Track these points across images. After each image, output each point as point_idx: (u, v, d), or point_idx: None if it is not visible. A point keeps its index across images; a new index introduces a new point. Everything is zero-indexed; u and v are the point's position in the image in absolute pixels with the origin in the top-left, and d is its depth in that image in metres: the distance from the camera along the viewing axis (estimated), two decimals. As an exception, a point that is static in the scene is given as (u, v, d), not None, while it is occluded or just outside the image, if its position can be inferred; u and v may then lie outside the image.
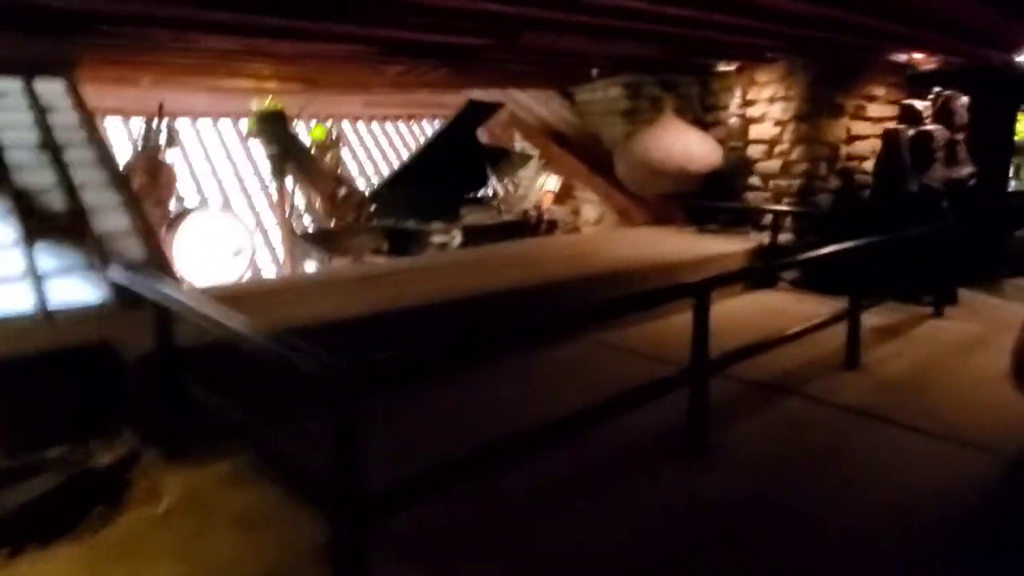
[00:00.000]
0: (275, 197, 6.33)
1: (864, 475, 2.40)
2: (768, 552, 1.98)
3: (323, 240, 5.89)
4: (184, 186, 7.34)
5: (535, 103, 7.37)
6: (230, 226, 5.05)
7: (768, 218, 5.40)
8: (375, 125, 9.89)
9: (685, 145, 5.71)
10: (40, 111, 4.82)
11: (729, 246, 5.17)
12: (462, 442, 1.89)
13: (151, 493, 2.23)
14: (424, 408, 2.87)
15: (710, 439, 2.60)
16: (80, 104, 5.12)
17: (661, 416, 2.57)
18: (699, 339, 2.47)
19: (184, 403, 2.41)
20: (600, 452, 2.50)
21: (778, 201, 5.39)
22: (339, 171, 7.12)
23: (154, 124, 6.61)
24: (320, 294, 3.62)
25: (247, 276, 5.22)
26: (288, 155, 5.92)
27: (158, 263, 3.78)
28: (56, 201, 4.04)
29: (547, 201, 7.67)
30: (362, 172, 9.15)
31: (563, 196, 7.96)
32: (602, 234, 5.72)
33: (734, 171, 5.69)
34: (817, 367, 3.42)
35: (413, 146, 9.15)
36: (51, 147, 4.49)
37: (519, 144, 7.91)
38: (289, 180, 6.23)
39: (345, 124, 9.13)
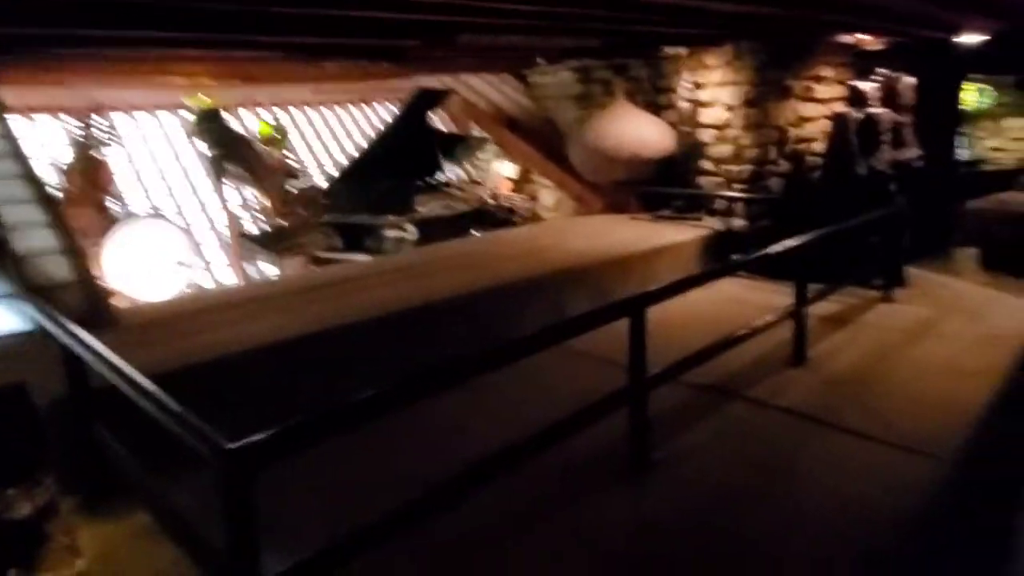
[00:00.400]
0: (219, 198, 6.10)
1: (809, 489, 2.38)
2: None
3: (271, 240, 5.71)
4: (125, 186, 7.07)
5: (487, 88, 7.20)
6: (170, 234, 4.85)
7: (721, 203, 5.37)
8: (327, 111, 9.61)
9: (637, 131, 5.62)
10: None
11: (682, 234, 5.14)
12: (398, 483, 1.81)
13: (68, 550, 2.12)
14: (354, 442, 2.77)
15: (654, 454, 2.57)
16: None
17: (608, 431, 2.51)
18: (635, 357, 2.41)
19: (101, 451, 2.29)
20: (542, 477, 2.44)
21: (730, 186, 5.35)
22: (288, 165, 6.89)
23: (89, 122, 6.31)
24: (259, 309, 3.48)
25: (191, 287, 5.03)
26: (229, 154, 5.69)
27: (87, 285, 3.60)
28: (-28, 222, 3.79)
29: (504, 188, 7.54)
30: (316, 162, 8.90)
31: (521, 182, 7.84)
32: (556, 225, 5.64)
33: (686, 156, 5.62)
34: (763, 365, 3.40)
35: (368, 131, 8.91)
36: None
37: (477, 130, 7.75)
38: (233, 180, 6.01)
39: (295, 111, 8.86)
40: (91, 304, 3.48)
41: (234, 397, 2.61)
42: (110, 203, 6.41)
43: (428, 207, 6.91)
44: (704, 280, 2.93)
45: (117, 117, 7.04)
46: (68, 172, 6.19)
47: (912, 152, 4.72)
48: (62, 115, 6.94)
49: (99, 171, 6.22)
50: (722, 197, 5.27)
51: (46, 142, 6.85)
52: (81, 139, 6.21)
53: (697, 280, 2.88)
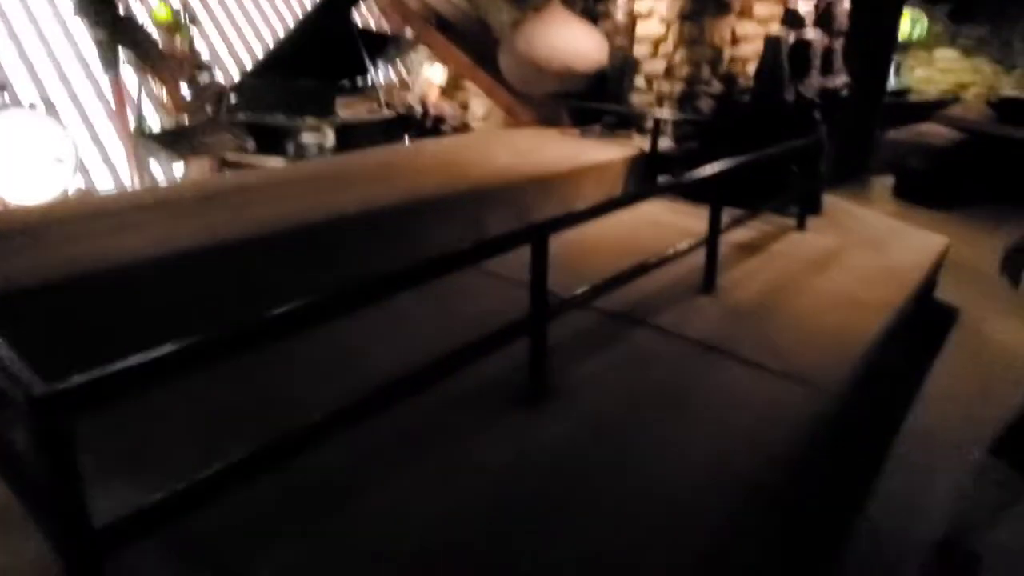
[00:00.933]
0: (108, 91, 5.56)
1: (698, 420, 2.43)
2: (590, 513, 1.98)
3: (173, 140, 5.29)
4: (8, 71, 6.37)
5: (418, -18, 6.69)
6: (47, 129, 4.39)
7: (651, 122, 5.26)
8: (243, -4, 8.80)
9: (572, 41, 5.36)
10: None
11: (609, 153, 5.02)
12: (289, 407, 1.71)
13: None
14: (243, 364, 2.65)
15: (554, 381, 2.56)
16: None
17: (511, 356, 2.46)
18: (537, 287, 2.34)
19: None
20: (440, 404, 2.40)
21: (661, 104, 5.23)
22: (195, 55, 6.32)
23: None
24: (144, 219, 3.21)
25: (72, 188, 4.64)
26: (119, 39, 5.14)
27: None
28: None
29: (433, 95, 7.18)
30: (231, 53, 8.22)
31: (451, 89, 7.48)
32: (482, 138, 5.42)
33: (620, 71, 5.43)
34: (674, 292, 3.41)
35: (290, 20, 8.26)
36: None
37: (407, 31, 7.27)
38: (126, 69, 5.47)
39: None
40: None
41: (96, 322, 2.42)
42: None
43: (350, 111, 6.52)
44: (613, 208, 2.84)
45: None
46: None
47: (840, 79, 4.68)
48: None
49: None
50: (652, 116, 5.15)
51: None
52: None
53: (607, 207, 2.79)
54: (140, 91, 5.66)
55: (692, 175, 3.36)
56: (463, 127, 7.31)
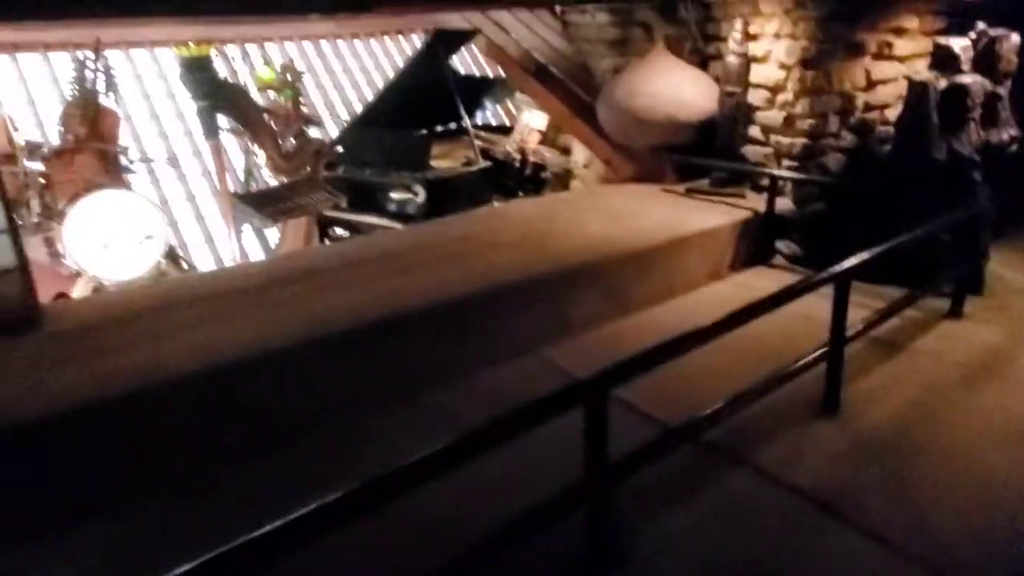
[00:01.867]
0: (211, 153, 5.69)
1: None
2: None
3: (266, 201, 5.30)
4: (130, 133, 6.76)
5: (519, 27, 6.41)
6: (137, 206, 4.48)
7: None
8: (355, 45, 8.97)
9: (676, 89, 4.84)
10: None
11: (716, 218, 4.44)
12: None
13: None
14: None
15: (624, 541, 2.10)
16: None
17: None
18: (593, 454, 1.89)
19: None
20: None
21: (779, 161, 4.58)
22: (300, 113, 6.37)
23: (89, 63, 5.91)
24: (201, 314, 3.08)
25: (166, 262, 4.72)
26: (219, 106, 5.23)
27: (24, 275, 3.26)
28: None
29: (533, 141, 6.86)
30: (344, 103, 8.35)
31: (554, 133, 7.14)
32: (573, 200, 5.01)
33: (732, 120, 4.82)
34: (785, 410, 2.83)
35: (391, 71, 8.27)
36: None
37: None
38: (227, 134, 5.58)
39: (313, 47, 8.29)
40: (24, 298, 3.17)
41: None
42: (115, 151, 6.11)
43: (446, 161, 6.34)
44: (699, 341, 2.31)
45: (116, 55, 6.65)
46: (66, 118, 5.87)
47: (1008, 133, 3.85)
48: (56, 53, 6.59)
49: (103, 117, 5.86)
50: (768, 174, 4.52)
51: (37, 84, 6.55)
52: (79, 80, 5.83)
53: (693, 338, 2.26)
54: (244, 155, 5.78)
55: (824, 273, 2.77)
56: (565, 174, 6.94)
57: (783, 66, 4.41)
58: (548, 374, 3.21)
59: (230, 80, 5.67)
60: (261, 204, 5.20)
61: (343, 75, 8.70)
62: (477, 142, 6.68)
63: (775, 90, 4.51)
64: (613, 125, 5.20)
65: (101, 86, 5.79)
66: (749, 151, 4.81)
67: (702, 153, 4.91)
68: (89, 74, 5.70)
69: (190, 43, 5.15)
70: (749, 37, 4.60)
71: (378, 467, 1.56)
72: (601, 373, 1.88)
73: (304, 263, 3.82)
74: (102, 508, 2.34)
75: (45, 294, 4.11)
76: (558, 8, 6.08)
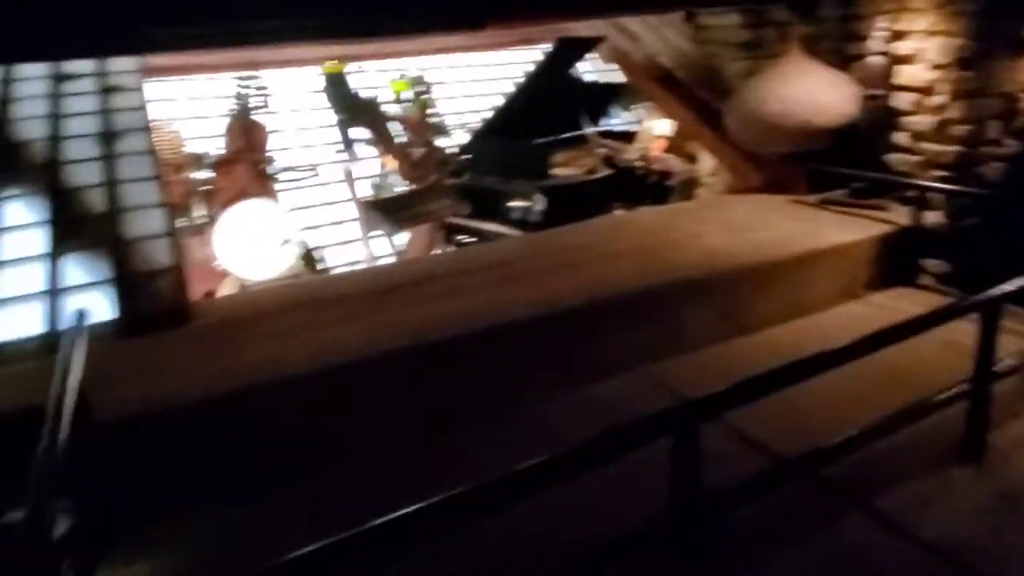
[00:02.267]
0: (347, 163, 6.05)
1: None
2: None
3: (393, 207, 5.56)
4: (279, 145, 7.34)
5: (646, 32, 6.28)
6: (275, 214, 4.86)
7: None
8: (486, 55, 9.20)
9: (811, 93, 4.52)
10: (105, 93, 4.78)
11: (851, 232, 4.10)
12: None
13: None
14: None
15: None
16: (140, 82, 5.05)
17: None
18: (680, 489, 1.80)
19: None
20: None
21: (929, 170, 4.15)
22: (429, 123, 6.64)
23: (245, 80, 6.51)
24: (317, 317, 3.28)
25: (302, 265, 5.08)
26: (354, 118, 5.55)
27: (179, 273, 3.63)
28: (95, 201, 3.95)
29: (657, 148, 6.70)
30: (474, 112, 8.59)
31: (680, 140, 6.93)
32: (694, 210, 4.82)
33: (873, 126, 4.44)
34: (915, 451, 2.55)
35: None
36: (107, 136, 4.44)
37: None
38: (362, 143, 5.91)
39: (445, 59, 8.57)
40: (177, 295, 3.53)
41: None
42: (265, 162, 6.69)
43: (567, 170, 6.35)
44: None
45: (270, 74, 7.25)
46: (227, 132, 6.49)
47: None
48: (218, 74, 7.28)
49: (255, 131, 6.44)
50: (914, 185, 4.11)
51: (201, 102, 7.27)
52: (238, 98, 6.44)
53: (790, 374, 2.09)
54: (377, 164, 6.11)
55: (973, 299, 2.49)
56: (691, 183, 6.70)
57: (935, 66, 3.99)
58: (654, 392, 3.11)
59: (363, 94, 6.01)
60: (389, 211, 5.46)
61: (473, 85, 8.96)
62: (600, 150, 6.64)
63: (925, 92, 4.10)
64: (742, 132, 4.95)
65: (255, 102, 6.35)
66: (893, 160, 4.40)
67: (839, 161, 4.56)
68: (246, 91, 6.28)
69: (328, 61, 5.51)
70: (895, 35, 4.21)
71: (462, 481, 1.58)
72: (691, 403, 1.78)
73: (420, 269, 3.97)
74: (224, 493, 2.55)
75: (198, 291, 4.58)
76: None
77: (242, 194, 5.97)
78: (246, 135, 6.31)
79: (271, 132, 6.98)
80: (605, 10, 4.75)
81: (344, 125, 5.53)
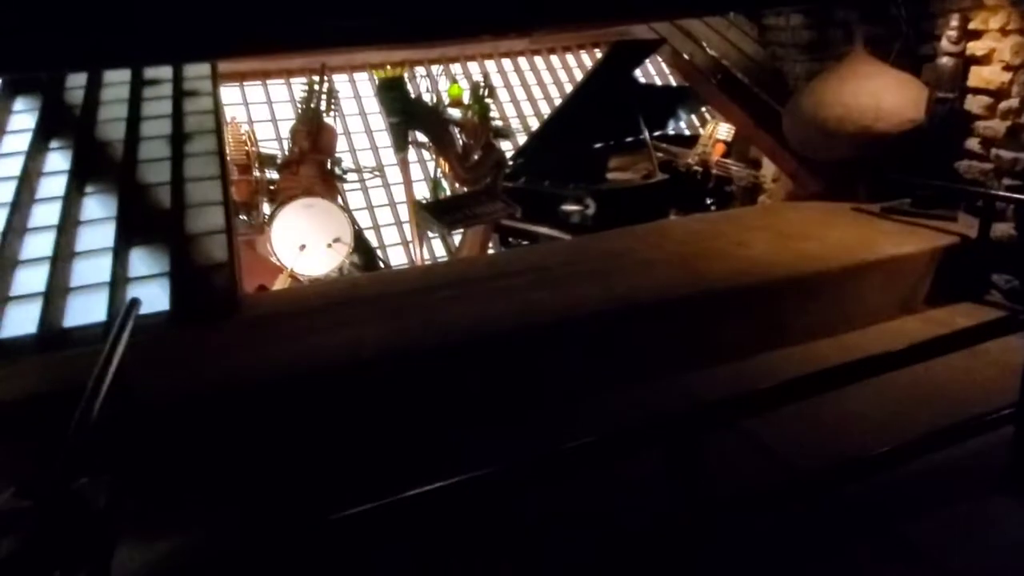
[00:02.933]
0: (400, 165, 6.20)
1: None
2: None
3: (445, 209, 5.66)
4: (345, 147, 7.61)
5: (709, 33, 6.15)
6: (329, 213, 5.03)
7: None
8: (550, 58, 9.23)
9: (874, 97, 4.30)
10: (178, 97, 5.10)
11: (909, 243, 3.87)
12: None
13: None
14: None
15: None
16: (216, 89, 5.35)
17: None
18: (678, 505, 1.76)
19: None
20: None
21: (1001, 178, 3.87)
22: (489, 127, 6.71)
23: (315, 84, 6.77)
24: (359, 313, 3.39)
25: (347, 264, 5.24)
26: (410, 121, 5.68)
27: (232, 268, 3.83)
28: (163, 198, 4.22)
29: (718, 153, 6.53)
30: (537, 115, 8.63)
31: (744, 145, 6.74)
32: (746, 217, 4.65)
33: (942, 131, 4.18)
34: (951, 476, 2.39)
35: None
36: (178, 138, 4.73)
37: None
38: (417, 146, 6.03)
39: (509, 63, 8.65)
40: (230, 288, 3.72)
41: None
42: (332, 163, 6.94)
43: (625, 174, 6.29)
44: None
45: (339, 78, 7.53)
46: (294, 134, 6.77)
47: None
48: (292, 79, 7.62)
49: (323, 132, 6.68)
50: (983, 194, 3.85)
51: (277, 105, 7.61)
52: (306, 100, 6.70)
53: (805, 387, 2.01)
54: (434, 167, 6.24)
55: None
56: (752, 188, 6.51)
57: (1009, 67, 3.72)
58: (678, 402, 3.04)
59: (421, 98, 6.15)
60: (440, 212, 5.56)
61: (536, 88, 9.00)
62: (659, 154, 6.54)
63: (998, 95, 3.83)
64: (799, 137, 4.77)
65: (324, 105, 6.59)
66: (963, 167, 4.13)
67: (905, 168, 4.32)
68: (314, 94, 6.52)
69: (388, 66, 5.68)
70: (968, 34, 3.96)
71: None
72: (688, 414, 1.75)
73: (457, 271, 4.03)
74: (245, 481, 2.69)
75: (251, 285, 4.82)
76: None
77: (306, 193, 6.22)
78: (312, 137, 6.54)
79: (339, 134, 7.25)
80: (660, 13, 4.68)
81: (397, 128, 5.67)
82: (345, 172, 7.30)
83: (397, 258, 7.46)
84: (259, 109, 8.07)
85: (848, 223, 4.27)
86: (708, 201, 6.66)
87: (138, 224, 4.05)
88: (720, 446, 2.62)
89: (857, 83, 4.37)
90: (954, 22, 3.99)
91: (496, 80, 9.03)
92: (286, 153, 6.88)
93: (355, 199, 7.96)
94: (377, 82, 5.70)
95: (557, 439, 2.11)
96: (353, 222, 6.94)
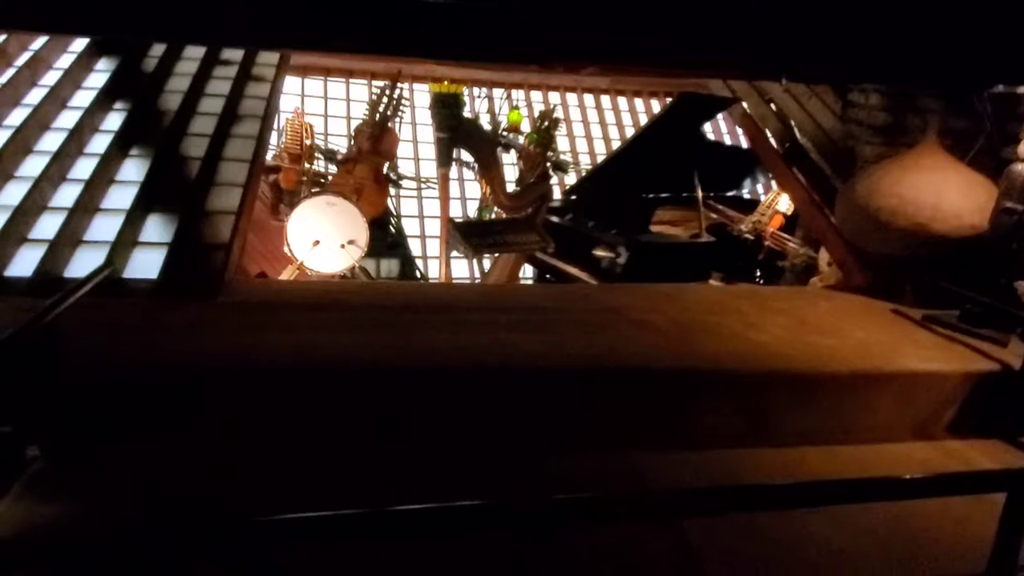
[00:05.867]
0: (440, 181, 6.18)
1: None
2: None
3: (475, 232, 5.56)
4: (406, 154, 7.69)
5: (788, 101, 5.82)
6: (346, 215, 5.04)
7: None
8: (634, 101, 9.07)
9: (933, 194, 3.91)
10: (242, 80, 5.28)
11: (943, 360, 3.44)
12: None
13: None
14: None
15: None
16: (279, 75, 5.51)
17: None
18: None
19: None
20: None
21: (1063, 307, 3.40)
22: (543, 157, 6.62)
23: (386, 88, 6.90)
24: (345, 319, 3.32)
25: (356, 268, 5.21)
26: (458, 140, 5.65)
27: (228, 251, 3.85)
28: (191, 171, 4.33)
29: (774, 224, 6.16)
30: (594, 154, 8.50)
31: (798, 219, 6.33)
32: (769, 298, 4.29)
33: (1005, 243, 3.73)
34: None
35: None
36: (227, 117, 4.88)
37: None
38: (462, 164, 6.00)
39: (575, 97, 8.55)
40: (218, 271, 3.74)
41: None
42: (387, 166, 7.02)
43: (674, 229, 6.02)
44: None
45: (414, 86, 7.64)
46: (356, 133, 6.91)
47: None
48: (372, 80, 7.79)
49: (385, 136, 6.79)
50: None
51: (350, 103, 7.78)
52: (374, 103, 6.83)
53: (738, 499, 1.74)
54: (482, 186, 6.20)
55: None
56: (806, 269, 6.08)
57: (1089, 184, 3.28)
58: (617, 483, 2.78)
59: (472, 118, 6.13)
60: (469, 234, 5.48)
61: (614, 128, 8.85)
62: (712, 215, 6.24)
63: (1074, 214, 3.38)
64: (850, 223, 4.40)
65: (390, 110, 6.69)
66: (1023, 288, 3.66)
67: (957, 277, 3.88)
68: (384, 99, 6.63)
69: (445, 83, 5.69)
70: (1052, 143, 3.53)
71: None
72: (540, 503, 1.54)
73: (449, 296, 3.91)
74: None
75: (253, 271, 4.88)
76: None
77: (356, 192, 6.31)
78: (374, 139, 6.65)
79: (402, 141, 7.34)
80: (696, 67, 4.45)
81: (445, 144, 5.66)
82: (400, 178, 7.37)
83: (435, 271, 7.44)
84: (338, 105, 8.30)
85: (880, 325, 3.86)
86: (757, 273, 6.28)
87: (163, 192, 4.16)
88: (636, 537, 2.37)
89: (919, 175, 3.99)
90: (1037, 126, 3.57)
91: (575, 114, 8.96)
92: (345, 150, 7.02)
93: (409, 206, 8.03)
94: (432, 96, 5.72)
95: (431, 494, 1.94)
96: (400, 230, 6.99)
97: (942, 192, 3.87)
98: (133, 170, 4.36)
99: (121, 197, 4.13)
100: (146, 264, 3.73)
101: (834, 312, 4.00)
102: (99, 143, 4.51)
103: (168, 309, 3.31)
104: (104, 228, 3.91)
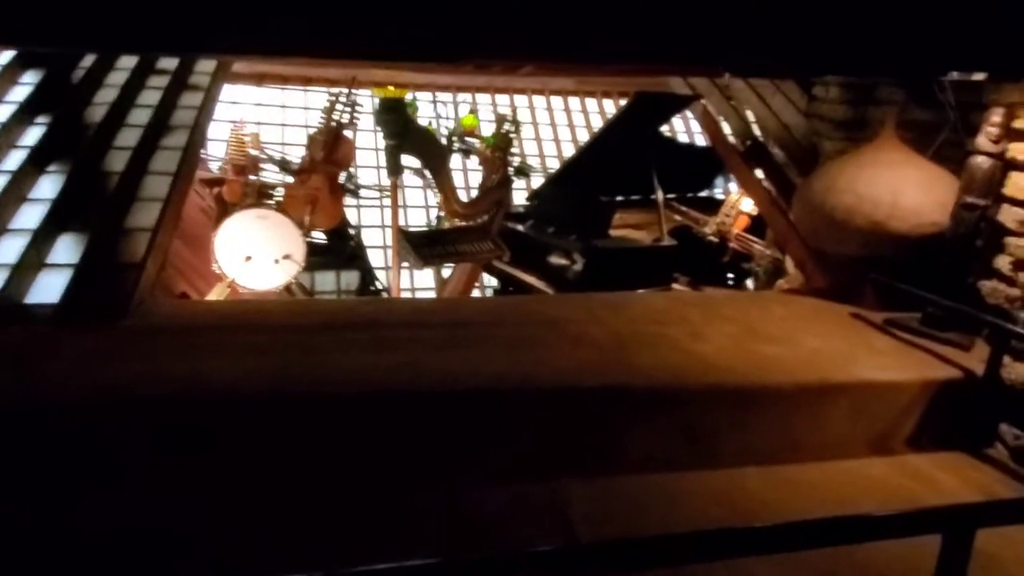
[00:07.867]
0: (390, 190, 5.94)
1: None
2: None
3: (426, 242, 5.32)
4: (361, 162, 7.45)
5: (751, 97, 5.59)
6: (281, 229, 4.79)
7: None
8: (603, 102, 8.85)
9: (891, 190, 3.67)
10: (175, 89, 5.04)
11: (901, 368, 3.19)
12: None
13: None
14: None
15: None
16: (214, 85, 5.27)
17: None
18: None
19: None
20: None
21: (1026, 309, 3.15)
22: (503, 161, 6.38)
23: (340, 97, 6.66)
24: (257, 343, 3.07)
25: (291, 283, 4.96)
26: (406, 147, 5.41)
27: (139, 271, 3.60)
28: (110, 187, 4.07)
29: (739, 225, 5.92)
30: (560, 158, 8.27)
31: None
32: (718, 304, 4.02)
33: (965, 242, 3.48)
34: None
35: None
36: (156, 129, 4.64)
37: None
38: (411, 171, 5.76)
39: (543, 100, 8.32)
40: (126, 292, 3.48)
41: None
42: (342, 175, 6.78)
43: (632, 232, 5.79)
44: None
45: (365, 93, 7.40)
46: (310, 143, 6.66)
47: None
48: (330, 87, 7.55)
49: (340, 145, 6.54)
50: (996, 325, 3.13)
51: (309, 111, 7.55)
52: (328, 112, 6.59)
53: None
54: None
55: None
56: (774, 270, 5.84)
57: (1049, 176, 3.04)
58: (542, 517, 2.53)
59: (419, 123, 5.89)
60: (419, 244, 5.24)
61: (583, 130, 8.62)
62: (676, 217, 6.00)
63: (1035, 208, 3.14)
64: (804, 222, 4.16)
65: (345, 118, 6.45)
66: (987, 288, 3.41)
67: (917, 277, 3.63)
68: (338, 107, 6.39)
69: (389, 87, 5.45)
70: (1011, 133, 3.28)
71: None
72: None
73: (378, 312, 3.65)
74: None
75: (176, 291, 4.61)
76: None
77: (310, 203, 6.07)
78: (328, 148, 6.41)
79: (361, 149, 7.10)
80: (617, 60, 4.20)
81: (393, 151, 5.43)
82: (359, 188, 7.14)
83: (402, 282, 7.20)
84: (296, 114, 8.08)
85: (837, 331, 3.61)
86: (728, 276, 6.04)
87: (78, 210, 3.91)
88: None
89: (876, 171, 3.74)
90: (996, 117, 3.33)
91: (543, 117, 8.74)
92: (298, 160, 6.78)
93: (371, 216, 7.79)
94: (377, 102, 5.48)
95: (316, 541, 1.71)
96: (359, 241, 6.74)
97: (900, 188, 3.63)
98: (48, 187, 4.11)
99: (30, 216, 3.88)
100: (49, 288, 3.48)
101: (789, 318, 3.75)
102: (13, 160, 4.26)
103: (71, 335, 3.06)
104: (7, 250, 3.66)
